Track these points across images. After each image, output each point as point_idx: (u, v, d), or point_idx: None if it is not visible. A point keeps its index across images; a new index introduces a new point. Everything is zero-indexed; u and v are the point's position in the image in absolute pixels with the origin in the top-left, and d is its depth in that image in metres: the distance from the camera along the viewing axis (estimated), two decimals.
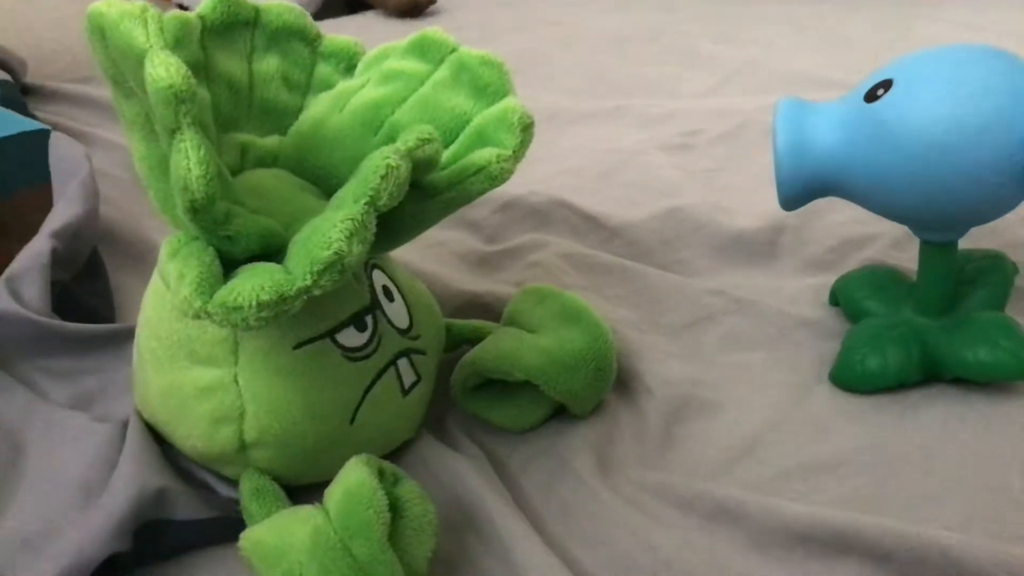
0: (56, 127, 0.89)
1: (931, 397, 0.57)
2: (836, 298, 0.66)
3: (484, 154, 0.50)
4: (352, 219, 0.42)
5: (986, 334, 0.56)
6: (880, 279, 0.64)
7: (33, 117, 0.92)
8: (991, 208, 0.53)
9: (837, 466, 0.53)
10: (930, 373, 0.58)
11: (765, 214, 0.75)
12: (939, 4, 1.27)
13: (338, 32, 0.63)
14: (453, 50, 0.55)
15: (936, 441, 0.54)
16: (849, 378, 0.58)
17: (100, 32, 0.45)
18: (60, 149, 0.78)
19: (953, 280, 0.59)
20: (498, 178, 0.50)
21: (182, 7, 1.51)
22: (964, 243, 0.58)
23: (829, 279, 0.67)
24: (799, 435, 0.56)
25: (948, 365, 0.57)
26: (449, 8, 1.42)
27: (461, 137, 0.53)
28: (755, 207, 0.77)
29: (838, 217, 0.74)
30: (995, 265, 0.62)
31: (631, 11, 1.35)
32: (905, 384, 0.58)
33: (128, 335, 0.61)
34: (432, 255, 0.74)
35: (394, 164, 0.44)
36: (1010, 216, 0.56)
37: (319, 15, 1.50)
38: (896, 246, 0.71)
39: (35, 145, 0.77)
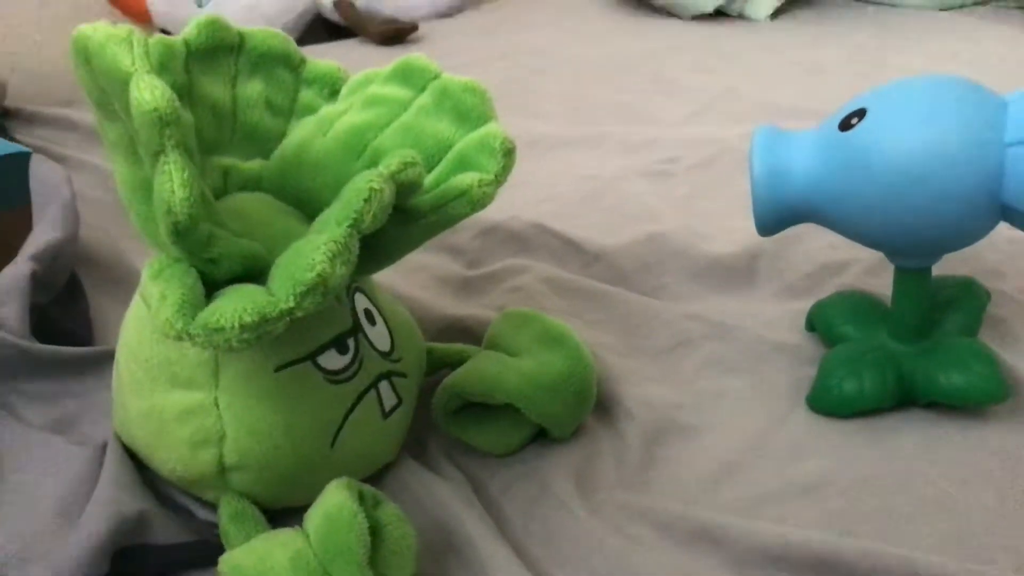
0: (37, 150, 0.89)
1: (907, 421, 0.58)
2: (812, 323, 0.67)
3: (466, 178, 0.51)
4: (335, 241, 0.43)
5: (959, 359, 0.57)
6: (856, 304, 0.65)
7: (13, 140, 0.92)
8: (963, 235, 0.54)
9: (815, 489, 0.54)
10: (905, 397, 0.58)
11: (743, 240, 0.76)
12: (911, 36, 1.30)
13: (322, 57, 0.63)
14: (436, 76, 0.56)
15: (912, 464, 0.55)
16: (826, 402, 0.59)
17: (85, 55, 0.45)
18: (41, 172, 0.78)
19: (927, 306, 0.60)
20: (480, 202, 0.51)
21: (165, 32, 1.51)
22: (937, 269, 0.59)
23: (806, 304, 0.68)
24: (777, 458, 0.57)
25: (923, 389, 0.57)
26: (431, 36, 1.44)
27: (443, 162, 0.53)
28: (733, 233, 0.77)
29: (814, 243, 0.75)
30: (968, 291, 0.63)
31: (611, 40, 1.37)
32: (881, 408, 0.58)
33: (107, 358, 0.61)
34: (414, 279, 0.75)
35: (377, 187, 0.44)
36: (982, 243, 0.57)
37: (301, 41, 1.51)
38: (871, 272, 0.72)
39: (15, 168, 0.77)
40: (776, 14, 1.42)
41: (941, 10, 1.40)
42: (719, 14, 1.42)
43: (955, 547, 0.49)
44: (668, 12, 1.45)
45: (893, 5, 1.42)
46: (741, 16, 1.43)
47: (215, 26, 0.56)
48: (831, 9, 1.45)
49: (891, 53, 1.23)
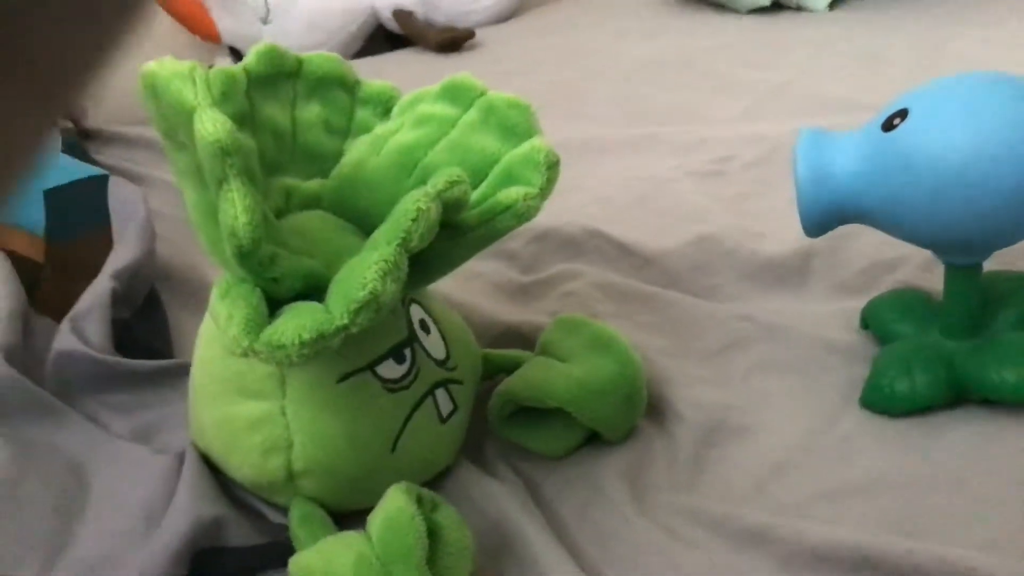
0: (115, 170, 0.94)
1: (959, 419, 0.58)
2: (866, 322, 0.67)
3: (512, 192, 0.53)
4: (385, 260, 0.45)
5: (1012, 355, 0.57)
6: (909, 302, 0.65)
7: (93, 162, 0.97)
8: (1011, 233, 0.54)
9: (866, 489, 0.54)
10: (958, 395, 0.58)
11: (795, 239, 0.76)
12: (972, 22, 1.27)
13: (381, 68, 0.66)
14: (482, 94, 0.58)
15: (965, 462, 0.55)
16: (878, 401, 0.59)
17: (153, 90, 0.49)
18: (119, 193, 0.82)
19: (979, 302, 0.59)
20: (525, 215, 0.53)
21: (233, 48, 1.57)
22: (989, 264, 0.59)
23: (859, 303, 0.68)
24: (828, 458, 0.57)
25: (976, 386, 0.57)
26: (486, 42, 1.46)
27: (490, 177, 0.55)
28: (785, 232, 0.78)
29: (868, 241, 0.75)
30: (1021, 286, 0.62)
31: (664, 38, 1.37)
32: (934, 406, 0.58)
33: (184, 370, 0.64)
34: (470, 286, 0.77)
35: (424, 207, 0.46)
36: None
37: (363, 52, 1.55)
38: (926, 268, 0.71)
39: (96, 190, 0.82)
40: (834, 3, 1.40)
41: None
42: (776, 6, 1.41)
43: (1007, 547, 0.49)
44: (724, 7, 1.44)
45: None
46: (799, 7, 1.41)
47: (273, 54, 0.59)
48: None
49: (952, 41, 1.20)
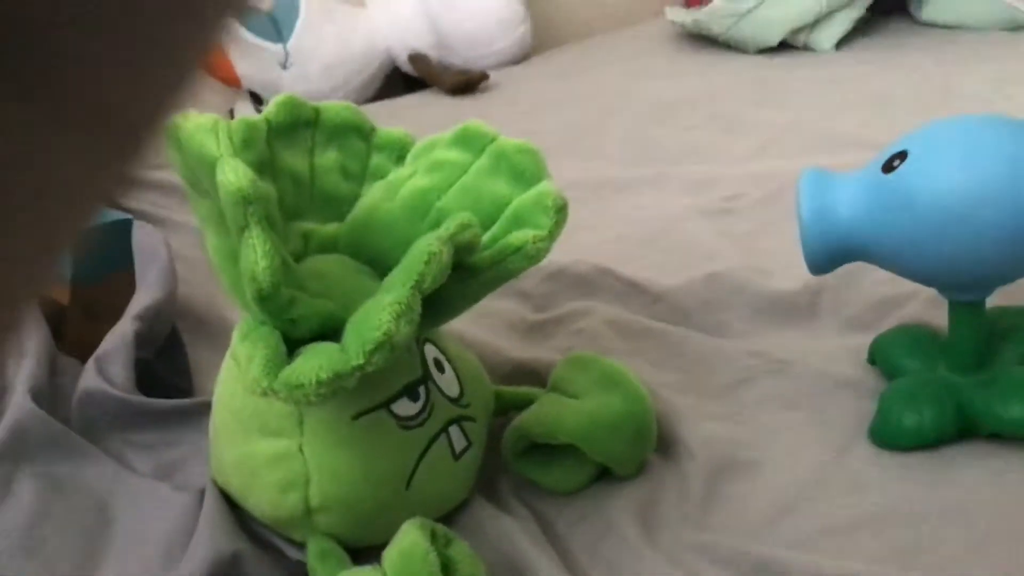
0: (137, 213, 0.96)
1: (968, 453, 0.59)
2: (874, 357, 0.68)
3: (521, 235, 0.55)
4: (399, 302, 0.47)
5: (1019, 390, 0.57)
6: (916, 337, 0.66)
7: (117, 205, 1.00)
8: (1012, 270, 0.55)
9: (875, 523, 0.55)
10: (966, 429, 0.59)
11: (804, 276, 0.77)
12: (978, 59, 1.29)
13: (397, 110, 0.68)
14: (493, 140, 0.60)
15: (974, 497, 0.56)
16: (886, 435, 0.60)
17: (177, 142, 0.51)
18: (142, 237, 0.84)
19: (984, 337, 0.60)
20: (535, 257, 0.54)
21: (253, 93, 1.60)
22: (994, 300, 0.60)
23: (868, 338, 0.69)
24: (838, 493, 0.58)
25: (983, 421, 0.58)
26: (501, 84, 1.49)
27: (501, 220, 0.57)
28: (794, 269, 0.78)
29: (876, 277, 0.76)
30: None
31: (674, 79, 1.40)
32: (942, 441, 0.59)
33: (204, 408, 0.66)
34: (483, 324, 0.78)
35: (436, 250, 0.48)
36: None
37: (380, 94, 1.58)
38: (934, 304, 0.72)
39: (120, 233, 0.84)
40: (841, 44, 1.42)
41: (1005, 30, 1.38)
42: (784, 47, 1.44)
43: None
44: (733, 47, 1.47)
45: (958, 27, 1.41)
46: (806, 47, 1.43)
47: (292, 104, 0.62)
48: (896, 35, 1.45)
49: (957, 78, 1.22)
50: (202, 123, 0.50)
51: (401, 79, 1.63)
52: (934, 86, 1.21)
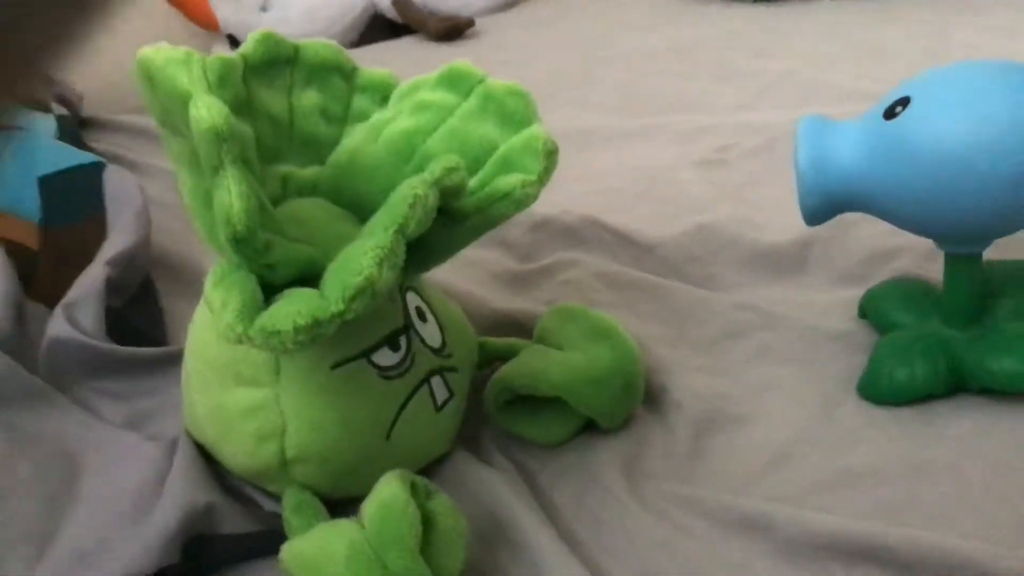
0: (111, 157, 0.93)
1: (959, 409, 0.58)
2: (865, 311, 0.66)
3: (510, 180, 0.52)
4: (381, 247, 0.45)
5: (1012, 344, 0.56)
6: (908, 291, 0.64)
7: (89, 149, 0.97)
8: (1012, 221, 0.54)
9: (865, 478, 0.54)
10: (958, 385, 0.58)
11: (795, 228, 0.76)
12: (977, 10, 1.27)
13: (380, 56, 0.66)
14: (481, 81, 0.57)
15: (964, 452, 0.55)
16: (877, 390, 0.59)
17: (148, 77, 0.48)
18: (114, 180, 0.82)
19: (979, 291, 0.59)
20: (523, 202, 0.52)
21: (232, 37, 1.56)
22: (989, 254, 0.59)
23: (859, 292, 0.68)
24: (827, 447, 0.57)
25: (975, 376, 0.57)
26: (487, 30, 1.45)
27: (488, 164, 0.55)
28: (785, 221, 0.77)
29: (868, 230, 0.75)
30: (1021, 275, 0.62)
31: (665, 28, 1.37)
32: (933, 396, 0.58)
33: (178, 358, 0.64)
34: (467, 274, 0.77)
35: (421, 193, 0.46)
36: None
37: (362, 40, 1.54)
38: (926, 258, 0.71)
39: (91, 177, 0.82)
40: None
41: None
42: None
43: (1006, 536, 0.49)
44: None
45: None
46: None
47: (270, 40, 0.59)
48: None
49: (956, 29, 1.20)
50: (174, 56, 0.47)
51: (385, 24, 1.59)
52: (933, 37, 1.18)
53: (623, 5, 1.51)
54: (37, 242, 0.77)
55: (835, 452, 0.57)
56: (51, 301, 0.68)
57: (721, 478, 0.56)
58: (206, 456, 0.56)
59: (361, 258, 0.44)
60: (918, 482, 0.53)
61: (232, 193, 0.45)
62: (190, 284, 0.79)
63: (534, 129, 0.54)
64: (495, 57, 1.26)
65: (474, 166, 0.55)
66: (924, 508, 0.52)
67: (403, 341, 0.54)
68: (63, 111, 1.06)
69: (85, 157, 0.83)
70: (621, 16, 1.45)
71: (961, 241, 0.56)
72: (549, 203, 0.69)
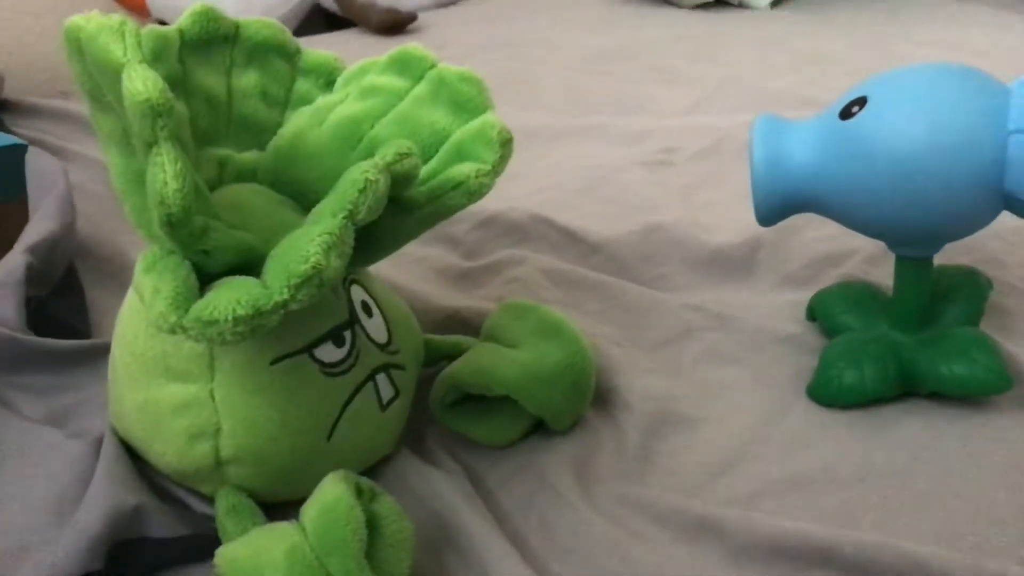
0: (34, 142, 0.88)
1: (908, 412, 0.58)
2: (813, 313, 0.66)
3: (463, 169, 0.50)
4: (330, 233, 0.42)
5: (962, 349, 0.56)
6: (856, 294, 0.64)
7: (11, 133, 0.92)
8: (965, 224, 0.54)
9: (815, 481, 0.54)
10: (907, 388, 0.58)
11: (743, 230, 0.76)
12: (911, 23, 1.29)
13: (319, 47, 0.63)
14: (432, 66, 0.55)
15: (913, 456, 0.55)
16: (827, 393, 0.59)
17: (77, 45, 0.45)
18: (37, 164, 0.77)
19: (928, 295, 0.59)
20: (476, 193, 0.50)
21: (162, 23, 1.51)
22: (939, 258, 0.59)
23: (806, 295, 0.67)
24: (777, 450, 0.56)
25: (924, 380, 0.57)
26: (430, 25, 1.43)
27: (440, 152, 0.53)
28: (733, 223, 0.77)
29: (815, 233, 0.75)
30: (969, 280, 0.63)
31: (612, 30, 1.36)
32: (882, 399, 0.58)
33: (104, 351, 0.60)
34: (412, 271, 0.74)
35: (372, 178, 0.44)
36: (984, 232, 0.56)
37: (299, 31, 1.50)
38: (872, 262, 0.71)
39: (12, 160, 0.77)
40: (777, 2, 1.41)
41: None
42: (720, 3, 1.42)
43: (957, 540, 0.49)
44: (668, 1, 1.44)
45: None
46: (741, 5, 1.42)
47: (209, 16, 0.56)
48: None
49: (894, 41, 1.22)
50: (107, 24, 0.44)
51: (324, 17, 1.55)
52: (871, 48, 1.20)
53: (566, 6, 1.50)
54: None
55: (786, 455, 0.56)
56: None
57: (672, 480, 0.55)
58: (133, 455, 0.53)
59: (307, 245, 0.42)
60: (869, 485, 0.53)
61: (167, 172, 0.42)
62: (116, 275, 0.75)
63: (488, 117, 0.52)
64: (439, 53, 1.23)
65: (425, 154, 0.53)
66: (874, 512, 0.51)
67: (347, 336, 0.51)
68: None
69: (5, 139, 0.78)
70: (562, 17, 1.45)
71: (914, 244, 0.56)
72: (495, 199, 0.67)
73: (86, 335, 0.67)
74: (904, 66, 0.55)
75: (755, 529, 0.49)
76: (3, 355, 0.59)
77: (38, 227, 0.69)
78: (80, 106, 1.07)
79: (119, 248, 0.78)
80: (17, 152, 0.77)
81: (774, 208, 0.56)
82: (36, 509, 0.50)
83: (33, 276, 0.65)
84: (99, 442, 0.54)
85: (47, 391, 0.59)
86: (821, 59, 1.18)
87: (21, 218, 0.72)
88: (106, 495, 0.48)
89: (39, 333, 0.62)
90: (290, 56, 0.60)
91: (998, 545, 0.48)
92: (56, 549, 0.46)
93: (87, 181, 0.90)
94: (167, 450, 0.51)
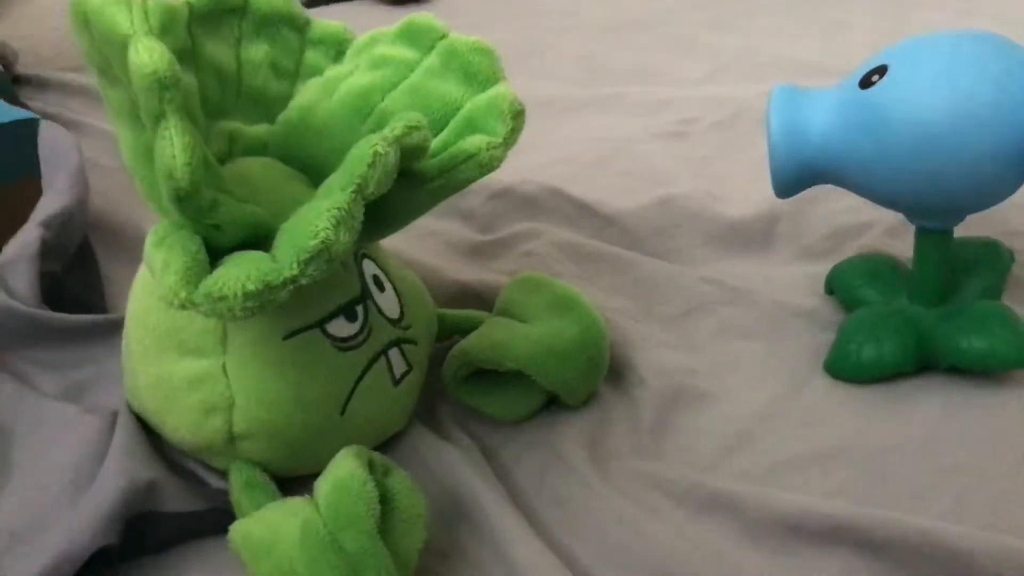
0: (47, 116, 0.88)
1: (927, 387, 0.57)
2: (831, 287, 0.65)
3: (474, 141, 0.50)
4: (339, 208, 0.42)
5: (982, 322, 0.55)
6: (876, 267, 0.63)
7: (24, 107, 0.92)
8: (987, 195, 0.53)
9: (831, 456, 0.53)
10: (926, 362, 0.57)
11: (760, 202, 0.75)
12: None
13: (329, 17, 0.62)
14: (443, 36, 0.55)
15: (931, 431, 0.54)
16: (844, 368, 0.58)
17: (84, 19, 0.45)
18: (50, 139, 0.77)
19: (949, 268, 0.58)
20: (488, 165, 0.50)
21: None
22: (960, 231, 0.58)
23: (824, 268, 0.66)
24: (793, 425, 0.56)
25: (944, 354, 0.56)
26: None
27: (451, 124, 0.52)
28: (750, 195, 0.76)
29: (833, 205, 0.74)
30: (991, 253, 0.62)
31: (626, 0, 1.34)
32: (901, 373, 0.57)
33: (118, 326, 0.60)
34: (425, 245, 0.74)
35: (382, 152, 0.43)
36: (1006, 203, 0.55)
37: (309, 2, 1.49)
38: (892, 234, 0.70)
39: (25, 135, 0.77)
40: None
41: None
42: None
43: (975, 516, 0.48)
44: None
45: None
46: None
47: None
48: None
49: (915, 8, 1.20)
50: None
51: None
52: (893, 15, 1.18)
53: None
54: None
55: (802, 430, 0.55)
56: None
57: (687, 456, 0.54)
58: (148, 430, 0.53)
59: (316, 219, 0.41)
60: (885, 461, 0.52)
61: (175, 145, 0.41)
62: (131, 249, 0.75)
63: (500, 88, 0.52)
64: (452, 23, 1.22)
65: (436, 126, 0.52)
66: (891, 487, 0.51)
67: (360, 311, 0.51)
68: None
69: (19, 113, 0.78)
70: None
71: (934, 215, 0.55)
72: (509, 172, 0.66)
73: (101, 309, 0.68)
74: (926, 34, 0.53)
75: (770, 505, 0.49)
76: (18, 330, 0.59)
77: (52, 201, 0.69)
78: (93, 79, 1.06)
79: (133, 221, 0.78)
80: (30, 126, 0.77)
81: (791, 179, 0.55)
82: (52, 484, 0.50)
83: (48, 250, 0.65)
84: (114, 417, 0.54)
85: (62, 366, 0.59)
86: (842, 27, 1.16)
87: (34, 193, 0.72)
88: (121, 470, 0.48)
89: (54, 308, 0.62)
90: (300, 27, 0.59)
91: (1016, 522, 0.48)
92: (71, 523, 0.46)
93: (101, 154, 0.90)
94: (180, 424, 0.51)
